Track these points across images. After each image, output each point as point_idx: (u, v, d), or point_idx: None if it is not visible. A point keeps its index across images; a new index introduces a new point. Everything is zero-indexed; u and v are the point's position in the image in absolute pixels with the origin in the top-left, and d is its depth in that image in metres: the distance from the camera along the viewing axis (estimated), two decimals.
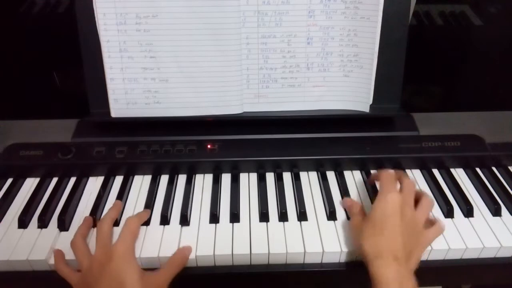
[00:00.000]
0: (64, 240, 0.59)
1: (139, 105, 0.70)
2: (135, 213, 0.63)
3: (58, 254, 0.57)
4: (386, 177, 0.59)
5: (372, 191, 0.67)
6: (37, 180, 0.70)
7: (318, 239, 0.59)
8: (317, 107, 0.72)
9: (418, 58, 0.72)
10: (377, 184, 0.63)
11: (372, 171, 0.71)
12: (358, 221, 0.58)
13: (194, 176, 0.70)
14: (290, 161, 0.70)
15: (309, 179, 0.70)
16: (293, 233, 0.60)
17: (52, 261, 0.57)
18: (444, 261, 0.60)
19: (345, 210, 0.64)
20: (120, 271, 0.52)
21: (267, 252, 0.58)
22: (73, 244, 0.57)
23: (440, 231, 0.58)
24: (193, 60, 0.68)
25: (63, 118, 0.75)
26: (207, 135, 0.72)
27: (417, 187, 0.68)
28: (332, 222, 0.62)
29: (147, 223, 0.62)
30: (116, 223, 0.62)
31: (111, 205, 0.63)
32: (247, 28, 0.67)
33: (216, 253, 0.58)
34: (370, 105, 0.71)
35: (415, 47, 0.69)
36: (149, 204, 0.65)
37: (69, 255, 0.57)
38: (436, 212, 0.64)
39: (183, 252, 0.57)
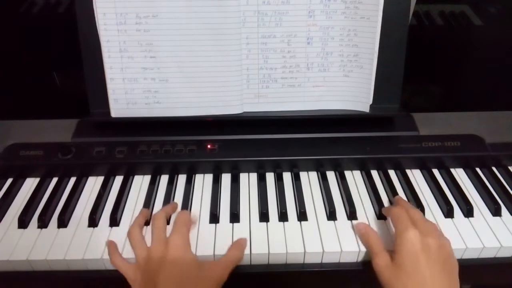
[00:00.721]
0: (64, 239, 0.59)
1: (139, 105, 0.70)
2: (135, 213, 0.64)
3: (112, 245, 0.58)
4: (396, 213, 0.57)
5: (372, 192, 0.67)
6: (37, 180, 0.70)
7: (318, 239, 0.59)
8: (317, 107, 0.72)
9: (418, 58, 0.72)
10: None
11: (372, 172, 0.71)
12: (386, 263, 0.53)
13: (194, 176, 0.70)
14: (290, 161, 0.70)
15: (309, 179, 0.70)
16: (293, 233, 0.60)
17: (51, 257, 0.57)
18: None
19: (345, 210, 0.64)
20: (179, 261, 0.54)
21: (267, 252, 0.58)
22: (130, 234, 0.58)
23: (448, 241, 0.57)
24: (193, 60, 0.68)
25: (63, 118, 0.75)
26: (207, 135, 0.72)
27: (417, 188, 0.69)
28: (332, 222, 0.62)
29: (146, 223, 0.62)
30: (117, 225, 0.62)
31: (162, 205, 0.64)
32: (247, 28, 0.67)
33: (216, 253, 0.58)
34: (370, 105, 0.71)
35: (415, 47, 0.69)
36: (149, 204, 0.65)
37: (70, 254, 0.57)
38: (436, 212, 0.64)
39: (240, 244, 0.58)
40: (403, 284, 0.51)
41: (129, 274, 0.55)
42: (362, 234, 0.59)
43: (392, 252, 0.55)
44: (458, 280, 0.53)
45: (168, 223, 0.61)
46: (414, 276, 0.51)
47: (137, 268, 0.55)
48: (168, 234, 0.58)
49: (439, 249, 0.53)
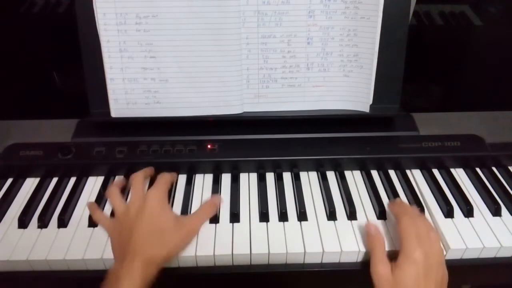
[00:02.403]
0: (64, 239, 0.59)
1: (139, 105, 0.70)
2: None
3: (93, 205, 0.63)
4: (408, 230, 0.55)
5: (372, 192, 0.67)
6: (37, 180, 0.70)
7: (318, 239, 0.59)
8: (317, 107, 0.72)
9: (418, 58, 0.72)
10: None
11: (372, 172, 0.71)
12: (386, 277, 0.53)
13: (194, 176, 0.70)
14: (290, 161, 0.70)
15: (309, 179, 0.70)
16: (293, 233, 0.60)
17: (51, 257, 0.57)
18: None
19: (345, 210, 0.64)
20: (156, 213, 0.57)
21: (267, 252, 0.58)
22: (109, 191, 0.62)
23: (441, 248, 0.57)
24: (193, 60, 0.68)
25: (63, 118, 0.75)
26: (207, 135, 0.72)
27: (418, 191, 0.69)
28: (332, 222, 0.62)
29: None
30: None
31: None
32: (247, 28, 0.67)
33: (216, 253, 0.58)
34: (370, 105, 0.71)
35: (415, 47, 0.69)
36: None
37: (70, 254, 0.57)
38: (436, 212, 0.64)
39: (214, 200, 0.63)
40: None
41: (109, 227, 0.59)
42: (370, 235, 0.58)
43: (391, 254, 0.55)
44: None
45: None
46: None
47: (116, 221, 0.59)
48: None
49: (438, 268, 0.54)
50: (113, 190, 0.62)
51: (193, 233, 0.59)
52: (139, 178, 0.62)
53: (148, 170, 0.66)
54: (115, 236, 0.58)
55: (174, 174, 0.67)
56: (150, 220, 0.56)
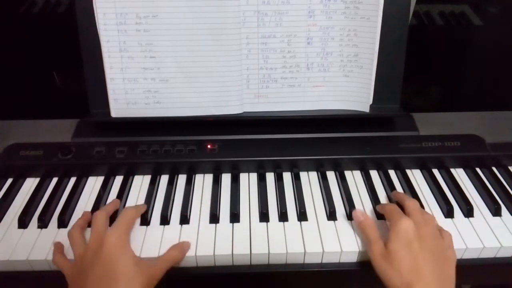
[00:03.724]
0: (64, 238, 0.59)
1: (139, 105, 0.70)
2: None
3: (57, 245, 0.58)
4: (390, 209, 0.59)
5: (372, 192, 0.67)
6: (37, 180, 0.70)
7: (318, 239, 0.59)
8: (317, 107, 0.72)
9: (418, 58, 0.72)
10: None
11: (372, 172, 0.71)
12: (381, 251, 0.54)
13: (194, 176, 0.70)
14: (290, 161, 0.70)
15: (309, 179, 0.70)
16: (293, 233, 0.60)
17: (51, 257, 0.57)
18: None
19: (345, 210, 0.64)
20: (113, 258, 0.52)
21: (267, 252, 0.58)
22: (69, 234, 0.57)
23: (450, 234, 0.57)
24: (193, 60, 0.68)
25: (63, 118, 0.75)
26: (207, 135, 0.72)
27: (419, 191, 0.69)
28: (332, 222, 0.62)
29: (147, 223, 0.62)
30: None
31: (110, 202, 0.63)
32: (247, 28, 0.67)
33: (216, 253, 0.58)
34: (370, 105, 0.71)
35: (415, 47, 0.69)
36: (149, 204, 0.65)
37: (70, 254, 0.57)
38: (436, 212, 0.64)
39: (182, 246, 0.58)
40: (396, 271, 0.51)
41: (66, 271, 0.55)
42: (359, 222, 0.59)
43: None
44: (454, 272, 0.53)
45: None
46: (407, 262, 0.51)
47: (74, 266, 0.55)
48: None
49: (434, 239, 0.54)
50: (73, 232, 0.57)
51: (156, 280, 0.54)
52: (99, 218, 0.57)
53: (111, 207, 0.61)
54: (72, 281, 0.54)
55: (142, 207, 0.62)
56: (105, 268, 0.51)
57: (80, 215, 0.63)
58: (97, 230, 0.56)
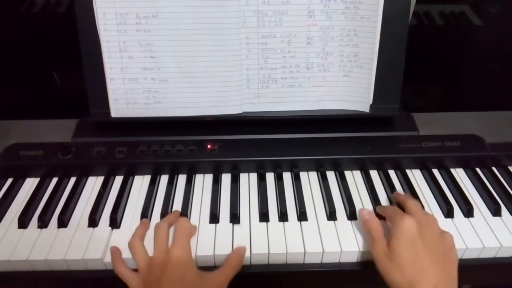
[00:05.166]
0: (64, 239, 0.60)
1: (139, 105, 0.70)
2: (135, 213, 0.64)
3: (115, 252, 0.58)
4: (391, 210, 0.59)
5: (372, 192, 0.67)
6: (37, 180, 0.70)
7: (318, 239, 0.59)
8: (317, 107, 0.72)
9: (418, 58, 0.72)
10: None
11: (372, 172, 0.71)
12: (383, 250, 0.54)
13: (194, 176, 0.70)
14: (290, 161, 0.70)
15: (309, 179, 0.70)
16: (293, 233, 0.60)
17: (51, 257, 0.57)
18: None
19: (345, 210, 0.64)
20: (180, 271, 0.53)
21: (267, 252, 0.58)
22: (131, 245, 0.57)
23: (451, 234, 0.57)
24: (193, 60, 0.68)
25: (63, 118, 0.75)
26: (207, 135, 0.72)
27: (418, 191, 0.69)
28: (332, 222, 0.62)
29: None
30: (117, 225, 0.62)
31: (171, 212, 0.64)
32: (247, 28, 0.67)
33: (216, 253, 0.58)
34: (370, 105, 0.71)
35: (415, 47, 0.69)
36: (149, 204, 0.65)
37: (70, 254, 0.57)
38: (436, 212, 0.64)
39: (239, 252, 0.58)
40: (399, 269, 0.51)
41: (131, 282, 0.55)
42: (365, 220, 0.59)
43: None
44: (456, 273, 0.52)
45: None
46: (410, 261, 0.51)
47: (139, 277, 0.55)
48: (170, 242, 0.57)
49: (437, 239, 0.54)
50: (135, 242, 0.57)
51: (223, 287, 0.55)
52: (162, 230, 0.58)
53: (173, 217, 0.61)
54: None
55: (194, 227, 0.61)
56: (174, 279, 0.52)
57: (80, 215, 0.64)
58: (161, 243, 0.56)
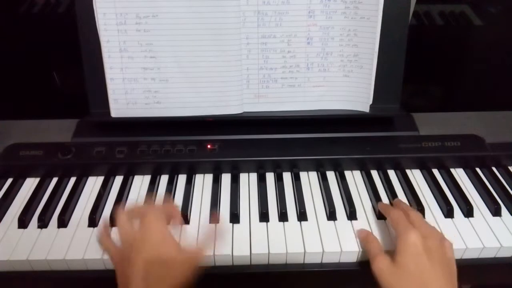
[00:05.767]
0: (64, 239, 0.60)
1: (139, 105, 0.70)
2: None
3: (105, 226, 0.59)
4: (396, 218, 0.57)
5: (372, 192, 0.67)
6: (37, 180, 0.70)
7: (318, 239, 0.59)
8: (317, 107, 0.72)
9: (418, 58, 0.72)
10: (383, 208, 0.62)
11: (372, 172, 0.71)
12: (387, 266, 0.53)
13: (194, 176, 0.70)
14: (290, 161, 0.70)
15: (309, 179, 0.70)
16: (293, 233, 0.60)
17: (51, 257, 0.57)
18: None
19: (345, 210, 0.64)
20: (158, 243, 0.53)
21: (267, 252, 0.58)
22: (117, 216, 0.57)
23: (451, 244, 0.56)
24: (193, 60, 0.68)
25: (63, 118, 0.75)
26: (207, 135, 0.72)
27: (418, 191, 0.69)
28: (332, 222, 0.62)
29: None
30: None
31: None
32: (247, 28, 0.67)
33: (216, 253, 0.58)
34: (370, 105, 0.71)
35: (415, 47, 0.69)
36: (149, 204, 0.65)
37: (70, 254, 0.57)
38: (436, 212, 0.64)
39: (220, 231, 0.60)
40: (406, 286, 0.50)
41: (113, 256, 0.55)
42: (362, 239, 0.59)
43: (391, 253, 0.55)
44: (456, 284, 0.52)
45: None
46: (416, 277, 0.51)
47: (120, 250, 0.55)
48: None
49: (441, 251, 0.53)
50: (121, 216, 0.57)
51: (197, 263, 0.54)
52: (148, 208, 0.58)
53: (163, 206, 0.60)
54: (118, 265, 0.54)
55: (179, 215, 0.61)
56: (151, 252, 0.52)
57: (80, 215, 0.64)
58: (144, 218, 0.56)
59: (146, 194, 0.67)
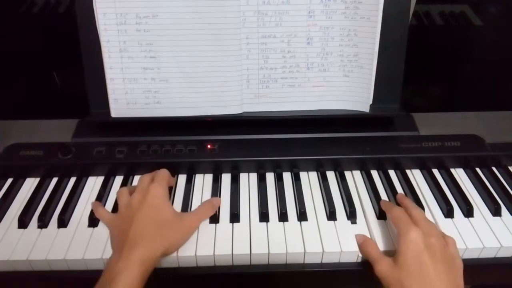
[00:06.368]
0: (64, 239, 0.59)
1: (139, 105, 0.70)
2: None
3: (96, 202, 0.64)
4: (398, 216, 0.57)
5: (372, 192, 0.67)
6: (37, 180, 0.70)
7: (318, 239, 0.59)
8: (317, 107, 0.72)
9: (418, 58, 0.72)
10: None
11: (372, 172, 0.71)
12: (389, 267, 0.53)
13: (194, 176, 0.70)
14: (290, 161, 0.70)
15: (309, 179, 0.70)
16: (293, 233, 0.60)
17: (51, 257, 0.57)
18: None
19: (345, 210, 0.64)
20: (157, 205, 0.58)
21: (267, 252, 0.58)
22: (119, 191, 0.62)
23: (454, 240, 0.57)
24: (193, 60, 0.68)
25: (63, 118, 0.75)
26: (207, 135, 0.72)
27: (418, 191, 0.69)
28: (332, 222, 0.62)
29: None
30: None
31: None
32: (247, 28, 0.67)
33: (216, 253, 0.58)
34: (370, 105, 0.71)
35: (415, 47, 0.69)
36: None
37: (69, 254, 0.57)
38: (436, 212, 0.64)
39: (213, 201, 0.64)
40: (409, 285, 0.50)
41: (110, 220, 0.60)
42: (360, 244, 0.59)
43: (392, 253, 0.55)
44: (462, 281, 0.52)
45: None
46: (419, 275, 0.51)
47: (118, 214, 0.60)
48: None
49: (443, 249, 0.53)
50: (123, 190, 0.62)
51: (193, 230, 0.59)
52: (145, 177, 0.63)
53: (159, 177, 0.63)
54: (115, 228, 0.58)
55: (172, 178, 0.67)
56: (150, 211, 0.56)
57: (80, 215, 0.64)
58: (142, 184, 0.61)
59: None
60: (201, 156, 0.70)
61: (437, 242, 0.53)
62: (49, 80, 0.83)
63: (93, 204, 0.64)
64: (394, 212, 0.58)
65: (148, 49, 0.67)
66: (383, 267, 0.53)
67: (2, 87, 0.81)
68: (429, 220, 0.57)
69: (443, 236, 0.56)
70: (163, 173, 0.63)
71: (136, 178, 0.70)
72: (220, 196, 0.67)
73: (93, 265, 0.58)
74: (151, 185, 0.59)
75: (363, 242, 0.58)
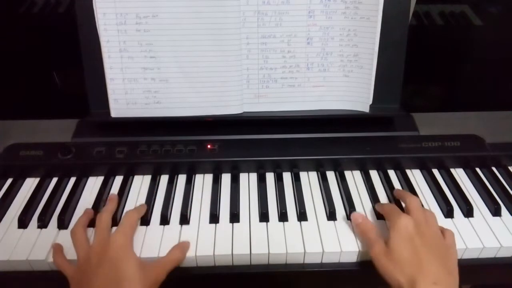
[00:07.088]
0: (64, 239, 0.59)
1: (139, 105, 0.70)
2: None
3: (57, 246, 0.58)
4: (388, 208, 0.59)
5: (372, 192, 0.67)
6: (37, 180, 0.70)
7: (318, 239, 0.59)
8: (317, 107, 0.72)
9: (418, 58, 0.72)
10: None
11: (372, 172, 0.71)
12: (382, 250, 0.54)
13: (194, 176, 0.70)
14: (290, 161, 0.70)
15: (309, 179, 0.70)
16: (293, 233, 0.60)
17: (50, 258, 0.57)
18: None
19: (345, 210, 0.64)
20: (118, 260, 0.52)
21: (267, 252, 0.58)
22: (72, 233, 0.57)
23: (452, 232, 0.57)
24: (193, 60, 0.68)
25: (63, 118, 0.75)
26: (207, 135, 0.72)
27: (419, 191, 0.69)
28: (332, 222, 0.62)
29: (147, 223, 0.62)
30: (115, 223, 0.61)
31: (108, 199, 0.63)
32: (247, 28, 0.67)
33: (216, 253, 0.58)
34: (370, 105, 0.71)
35: (415, 47, 0.69)
36: (149, 204, 0.65)
37: (70, 254, 0.57)
38: (436, 212, 0.64)
39: (183, 246, 0.58)
40: (399, 268, 0.51)
41: (69, 273, 0.55)
42: (358, 224, 0.59)
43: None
44: (457, 272, 0.52)
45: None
46: (409, 258, 0.51)
47: (78, 268, 0.54)
48: None
49: (436, 236, 0.54)
50: (77, 231, 0.57)
51: (158, 282, 0.54)
52: (103, 220, 0.57)
53: (112, 206, 0.61)
54: (75, 284, 0.54)
55: (142, 208, 0.62)
56: (110, 270, 0.51)
57: (80, 215, 0.63)
58: (102, 232, 0.56)
59: (146, 196, 0.66)
60: (201, 156, 0.70)
61: (429, 230, 0.54)
62: (49, 80, 0.83)
63: (54, 247, 0.58)
64: (386, 207, 0.60)
65: (148, 49, 0.67)
66: (377, 250, 0.54)
67: (2, 87, 0.81)
68: (425, 209, 0.58)
69: (442, 229, 0.56)
70: (130, 219, 0.58)
71: (136, 178, 0.70)
72: (220, 196, 0.67)
73: None
74: (112, 236, 0.55)
75: (361, 223, 0.59)
